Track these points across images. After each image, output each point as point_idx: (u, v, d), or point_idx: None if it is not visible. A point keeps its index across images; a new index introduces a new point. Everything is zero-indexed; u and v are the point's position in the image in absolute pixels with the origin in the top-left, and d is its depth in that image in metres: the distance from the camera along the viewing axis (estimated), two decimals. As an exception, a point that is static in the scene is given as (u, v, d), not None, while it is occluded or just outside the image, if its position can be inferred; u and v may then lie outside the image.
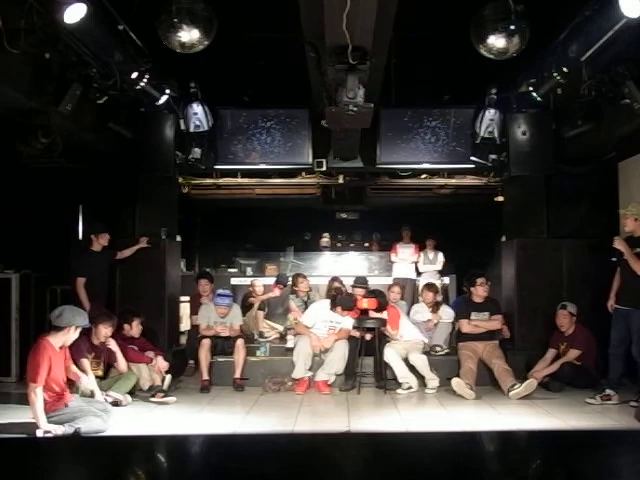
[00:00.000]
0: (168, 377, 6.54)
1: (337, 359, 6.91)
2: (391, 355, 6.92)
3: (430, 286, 8.14)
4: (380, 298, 7.27)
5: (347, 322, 7.18)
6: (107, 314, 6.47)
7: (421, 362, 6.91)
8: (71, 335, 5.14)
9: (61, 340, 5.11)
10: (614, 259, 6.34)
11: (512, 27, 5.66)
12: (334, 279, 8.45)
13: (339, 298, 7.39)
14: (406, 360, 6.94)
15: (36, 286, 7.65)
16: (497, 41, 5.74)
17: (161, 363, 6.61)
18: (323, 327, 7.20)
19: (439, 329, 7.63)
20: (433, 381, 6.83)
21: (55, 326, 5.09)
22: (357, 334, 7.05)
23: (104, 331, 6.17)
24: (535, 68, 6.82)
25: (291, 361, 6.96)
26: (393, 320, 7.21)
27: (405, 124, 7.95)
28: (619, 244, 6.12)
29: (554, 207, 8.11)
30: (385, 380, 6.83)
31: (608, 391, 6.14)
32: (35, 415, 4.83)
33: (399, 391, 6.75)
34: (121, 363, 6.30)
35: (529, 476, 1.16)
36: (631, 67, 5.86)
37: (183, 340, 8.32)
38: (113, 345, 6.29)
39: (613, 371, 6.23)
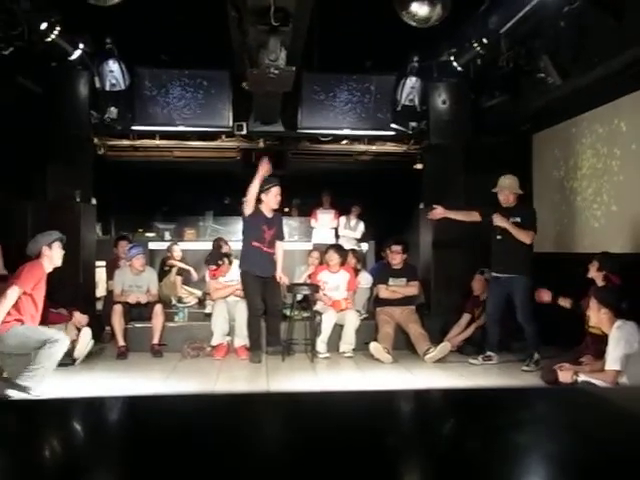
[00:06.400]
0: (89, 343, 6.29)
1: (242, 322, 6.85)
2: (331, 321, 6.94)
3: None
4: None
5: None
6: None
7: (354, 325, 6.99)
8: (53, 252, 5.36)
9: (48, 264, 5.34)
10: (499, 237, 6.42)
11: (435, -5, 5.69)
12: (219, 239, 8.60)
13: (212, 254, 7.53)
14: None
15: None
16: (420, 9, 5.75)
17: (79, 316, 6.31)
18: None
19: (357, 294, 7.73)
20: (350, 345, 6.95)
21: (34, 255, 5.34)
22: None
23: None
24: (456, 38, 6.90)
25: (210, 326, 6.92)
26: (352, 282, 7.37)
27: (327, 89, 7.92)
28: (499, 220, 6.33)
29: (471, 176, 8.28)
30: (312, 345, 6.81)
31: (489, 353, 6.50)
32: None
33: (320, 356, 6.80)
34: None
35: (440, 434, 1.18)
36: (547, 42, 6.02)
37: (99, 306, 8.11)
38: None
39: (491, 335, 6.54)
